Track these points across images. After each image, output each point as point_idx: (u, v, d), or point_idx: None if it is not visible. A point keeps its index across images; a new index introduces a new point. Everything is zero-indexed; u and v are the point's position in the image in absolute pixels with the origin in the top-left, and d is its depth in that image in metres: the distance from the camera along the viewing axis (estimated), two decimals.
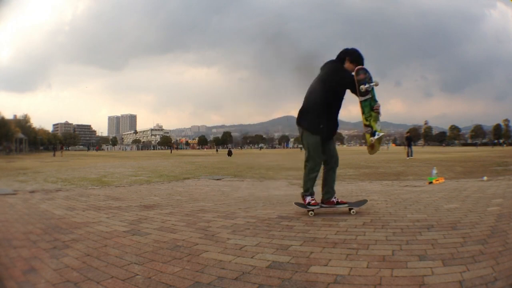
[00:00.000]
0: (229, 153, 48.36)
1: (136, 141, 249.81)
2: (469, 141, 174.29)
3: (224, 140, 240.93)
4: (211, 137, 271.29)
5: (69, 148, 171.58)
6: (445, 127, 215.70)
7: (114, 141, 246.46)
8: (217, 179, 12.99)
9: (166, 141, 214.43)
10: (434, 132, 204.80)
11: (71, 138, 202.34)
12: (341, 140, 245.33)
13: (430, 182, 9.90)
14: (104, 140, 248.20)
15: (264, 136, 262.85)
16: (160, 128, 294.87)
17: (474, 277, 2.92)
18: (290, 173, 16.08)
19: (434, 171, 10.53)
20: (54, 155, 54.14)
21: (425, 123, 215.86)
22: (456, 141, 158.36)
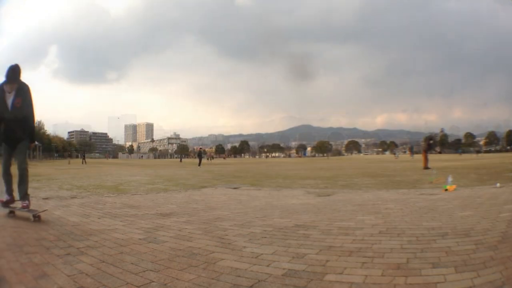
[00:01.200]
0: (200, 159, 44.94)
1: (153, 150, 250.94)
2: (484, 148, 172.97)
3: (241, 148, 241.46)
4: (228, 146, 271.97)
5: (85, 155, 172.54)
6: (461, 134, 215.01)
7: (130, 150, 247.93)
8: (234, 188, 12.93)
9: (183, 150, 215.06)
10: (450, 140, 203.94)
11: (86, 146, 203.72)
12: (358, 148, 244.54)
13: (446, 190, 9.89)
14: (120, 148, 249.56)
15: (281, 145, 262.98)
16: (177, 137, 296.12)
17: (484, 283, 2.95)
18: (307, 182, 16.04)
19: (450, 179, 10.50)
20: (83, 162, 54.77)
21: (441, 131, 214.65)
22: (472, 148, 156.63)
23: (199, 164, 41.13)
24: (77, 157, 68.12)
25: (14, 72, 6.26)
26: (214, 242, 4.70)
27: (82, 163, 54.63)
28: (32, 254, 4.09)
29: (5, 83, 6.24)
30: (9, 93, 6.23)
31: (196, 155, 59.12)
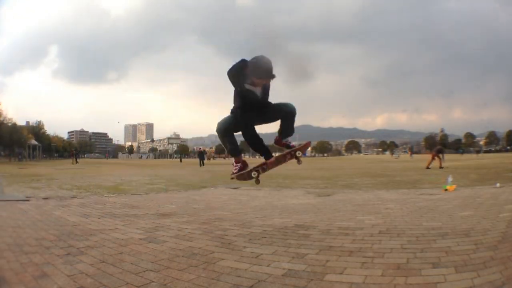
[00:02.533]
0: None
1: (153, 150, 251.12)
2: (484, 148, 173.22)
3: (241, 149, 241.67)
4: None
5: (85, 155, 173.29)
6: (460, 134, 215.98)
7: (130, 150, 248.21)
8: (234, 188, 12.91)
9: (183, 150, 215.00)
10: (450, 139, 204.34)
11: (86, 146, 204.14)
12: (358, 148, 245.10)
13: (446, 190, 9.89)
14: (120, 148, 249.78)
15: None
16: (177, 137, 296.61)
17: (484, 283, 2.95)
18: (307, 182, 16.04)
19: (450, 179, 10.51)
20: (75, 162, 54.20)
21: (441, 131, 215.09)
22: (472, 148, 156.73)
23: (202, 164, 41.14)
24: (77, 156, 67.69)
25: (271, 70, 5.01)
26: (214, 242, 4.70)
27: (74, 162, 53.79)
28: (32, 254, 4.08)
29: (255, 78, 5.09)
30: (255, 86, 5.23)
31: (196, 155, 59.37)
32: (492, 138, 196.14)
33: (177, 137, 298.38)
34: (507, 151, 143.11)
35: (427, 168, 23.69)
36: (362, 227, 5.46)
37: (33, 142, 79.82)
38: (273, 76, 5.05)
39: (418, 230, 5.05)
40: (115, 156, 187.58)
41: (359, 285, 3.07)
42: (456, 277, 3.11)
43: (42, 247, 4.43)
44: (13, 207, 7.70)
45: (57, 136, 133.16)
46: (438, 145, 30.41)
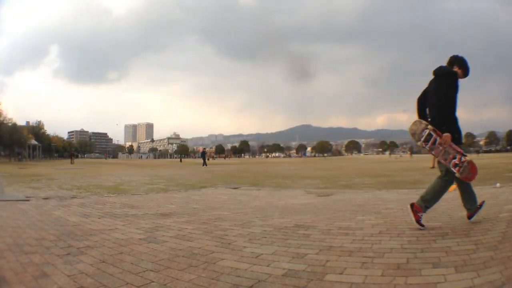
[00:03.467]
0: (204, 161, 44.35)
1: (153, 150, 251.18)
2: (484, 148, 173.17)
3: (241, 149, 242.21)
4: (228, 146, 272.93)
5: (85, 155, 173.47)
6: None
7: (130, 150, 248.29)
8: (234, 188, 12.89)
9: (183, 150, 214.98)
10: None
11: (86, 146, 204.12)
12: (358, 148, 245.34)
13: None
14: (120, 148, 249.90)
15: (281, 145, 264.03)
16: (177, 137, 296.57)
17: (484, 283, 2.94)
18: (307, 182, 16.03)
19: None
20: (71, 162, 54.00)
21: None
22: (472, 148, 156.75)
23: (204, 164, 41.20)
24: (76, 156, 67.38)
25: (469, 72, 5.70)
26: (214, 242, 4.69)
27: (72, 162, 53.70)
28: (32, 254, 4.08)
29: (459, 68, 5.58)
30: None
31: (200, 155, 59.80)
32: (492, 138, 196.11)
33: (177, 137, 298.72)
34: (507, 151, 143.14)
35: (432, 167, 23.68)
36: (362, 227, 5.45)
37: (33, 142, 79.69)
38: (465, 76, 5.63)
39: (418, 230, 5.03)
40: (115, 156, 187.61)
41: (359, 285, 3.06)
42: (456, 277, 3.11)
43: (42, 247, 4.42)
44: (13, 207, 7.69)
45: (57, 136, 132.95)
46: None
